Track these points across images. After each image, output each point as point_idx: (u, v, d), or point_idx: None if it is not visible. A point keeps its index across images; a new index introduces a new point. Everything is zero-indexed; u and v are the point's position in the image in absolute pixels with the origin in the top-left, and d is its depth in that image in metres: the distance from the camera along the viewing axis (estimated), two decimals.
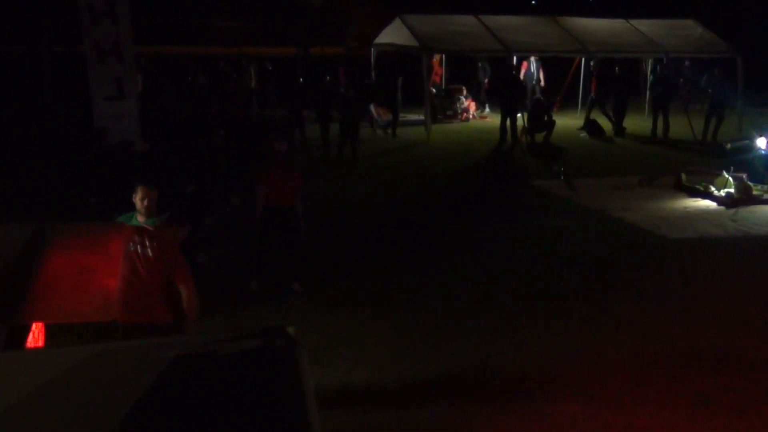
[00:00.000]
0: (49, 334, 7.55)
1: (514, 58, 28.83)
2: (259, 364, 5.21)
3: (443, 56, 32.68)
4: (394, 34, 30.18)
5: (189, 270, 7.99)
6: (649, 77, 31.30)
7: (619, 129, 28.22)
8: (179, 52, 37.12)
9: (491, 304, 12.08)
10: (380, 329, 11.00)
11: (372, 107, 30.05)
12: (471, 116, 31.96)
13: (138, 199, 8.23)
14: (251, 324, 10.11)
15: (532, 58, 30.89)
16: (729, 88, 27.61)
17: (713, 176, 18.98)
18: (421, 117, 28.64)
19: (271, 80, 31.80)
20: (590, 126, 28.27)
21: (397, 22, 29.92)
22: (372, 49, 31.93)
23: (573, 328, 11.09)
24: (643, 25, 30.90)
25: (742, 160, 19.70)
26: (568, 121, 29.58)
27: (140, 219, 8.08)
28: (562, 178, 20.09)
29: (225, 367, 5.16)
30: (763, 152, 19.31)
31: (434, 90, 31.23)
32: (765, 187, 18.66)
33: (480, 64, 33.66)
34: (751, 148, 19.86)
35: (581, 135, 27.94)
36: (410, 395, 9.12)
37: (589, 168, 22.12)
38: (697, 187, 18.98)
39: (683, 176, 19.55)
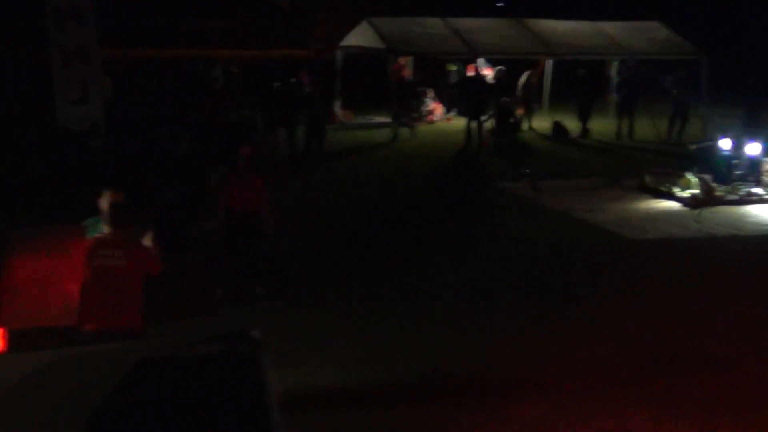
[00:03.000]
0: (12, 338, 7.51)
1: (481, 60, 28.96)
2: (222, 368, 5.22)
3: (410, 58, 32.70)
4: (360, 37, 30.20)
5: (162, 264, 7.97)
6: (615, 79, 31.45)
7: (584, 131, 28.37)
8: (148, 54, 36.95)
9: (456, 306, 12.10)
10: (345, 331, 11.00)
11: (338, 108, 30.11)
12: (437, 118, 32.03)
13: (104, 203, 8.08)
14: (215, 328, 10.10)
15: (480, 60, 30.61)
16: (693, 89, 27.81)
17: (677, 177, 19.10)
18: (387, 119, 28.62)
19: (238, 83, 31.71)
20: (555, 128, 28.41)
21: (363, 25, 29.96)
22: (338, 51, 31.91)
23: (540, 330, 11.12)
24: (609, 27, 31.07)
25: (705, 161, 19.82)
26: (534, 124, 29.66)
27: (105, 228, 7.89)
28: (527, 180, 20.14)
29: (188, 371, 5.16)
30: (726, 153, 19.44)
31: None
32: (728, 188, 18.81)
33: (455, 68, 33.71)
34: (715, 149, 19.98)
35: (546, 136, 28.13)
36: (376, 397, 9.14)
37: (554, 170, 22.19)
38: (662, 188, 19.10)
39: (648, 177, 19.65)
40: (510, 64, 30.02)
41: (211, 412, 4.77)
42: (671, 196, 18.70)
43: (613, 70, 32.26)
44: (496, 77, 29.44)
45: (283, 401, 5.27)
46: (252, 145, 14.78)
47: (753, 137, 20.18)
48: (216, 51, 36.79)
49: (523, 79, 30.13)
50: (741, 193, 18.71)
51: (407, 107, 29.81)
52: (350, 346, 10.49)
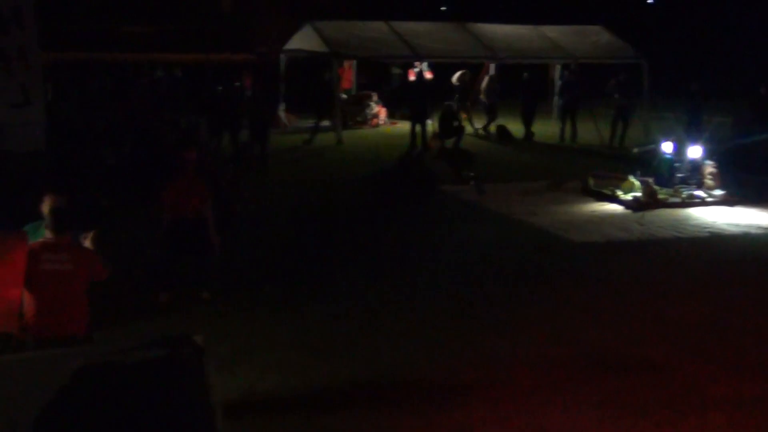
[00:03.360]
0: None
1: (424, 63, 29.02)
2: (165, 373, 5.17)
3: (354, 62, 32.71)
4: (304, 40, 30.16)
5: (108, 267, 7.82)
6: (557, 83, 31.66)
7: (528, 134, 28.51)
8: (89, 58, 36.63)
9: (399, 309, 12.04)
10: (289, 336, 10.92)
11: (282, 113, 30.04)
12: (381, 122, 32.07)
13: (45, 207, 7.92)
14: (158, 333, 10.00)
15: (423, 65, 30.48)
16: (635, 93, 28.07)
17: (620, 180, 19.23)
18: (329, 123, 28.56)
19: (181, 87, 31.50)
20: (499, 131, 28.55)
21: (307, 28, 29.91)
22: (282, 55, 31.82)
23: (480, 333, 11.11)
24: (552, 31, 31.30)
25: (648, 164, 20.02)
26: (476, 126, 29.78)
27: (48, 233, 7.71)
28: (471, 183, 20.18)
29: (131, 376, 5.11)
30: (668, 157, 19.61)
31: (344, 96, 31.23)
32: (670, 191, 18.97)
33: (398, 71, 33.78)
34: (658, 152, 20.15)
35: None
36: (319, 402, 9.07)
37: (498, 173, 22.27)
38: (605, 191, 19.23)
39: (591, 180, 19.78)
40: (455, 68, 30.11)
41: (154, 417, 4.73)
42: (614, 199, 18.83)
43: (557, 73, 32.47)
44: (461, 80, 29.57)
45: (228, 406, 5.24)
46: (197, 150, 14.63)
47: (694, 140, 20.38)
48: (158, 55, 36.55)
49: (485, 83, 30.24)
50: (683, 196, 18.87)
51: (350, 112, 29.91)
52: (296, 351, 10.41)
